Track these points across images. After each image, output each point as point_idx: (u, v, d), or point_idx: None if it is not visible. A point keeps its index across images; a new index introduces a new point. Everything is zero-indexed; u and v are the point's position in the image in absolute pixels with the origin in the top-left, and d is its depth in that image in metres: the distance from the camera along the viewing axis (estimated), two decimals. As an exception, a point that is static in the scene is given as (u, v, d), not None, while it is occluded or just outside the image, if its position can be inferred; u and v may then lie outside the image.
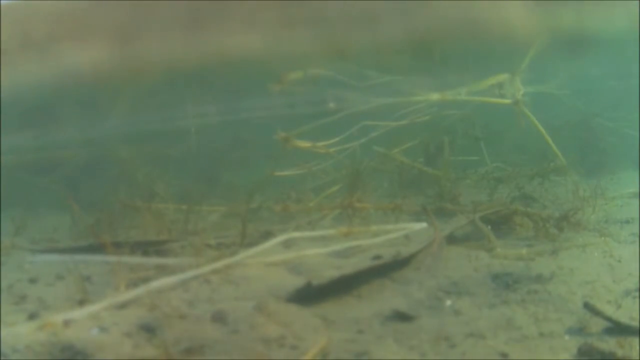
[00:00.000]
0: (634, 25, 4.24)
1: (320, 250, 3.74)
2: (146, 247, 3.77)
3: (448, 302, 3.01)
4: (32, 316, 2.81)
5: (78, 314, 2.73)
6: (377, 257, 3.62)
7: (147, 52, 3.70)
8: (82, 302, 2.97)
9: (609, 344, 2.52)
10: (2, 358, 2.39)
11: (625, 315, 2.76)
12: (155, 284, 3.04)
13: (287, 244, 3.85)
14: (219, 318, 2.75)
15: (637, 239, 4.02)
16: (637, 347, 2.50)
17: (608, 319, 2.69)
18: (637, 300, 2.96)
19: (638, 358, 2.43)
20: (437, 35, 4.53)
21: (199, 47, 3.71)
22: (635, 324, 2.66)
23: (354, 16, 3.61)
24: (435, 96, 5.68)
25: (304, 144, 5.06)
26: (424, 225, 4.14)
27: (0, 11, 3.18)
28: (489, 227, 4.04)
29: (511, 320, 2.77)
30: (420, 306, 2.96)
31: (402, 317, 2.84)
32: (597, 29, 4.97)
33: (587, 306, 2.79)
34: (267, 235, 4.14)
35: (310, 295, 2.98)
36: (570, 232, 4.14)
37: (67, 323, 2.64)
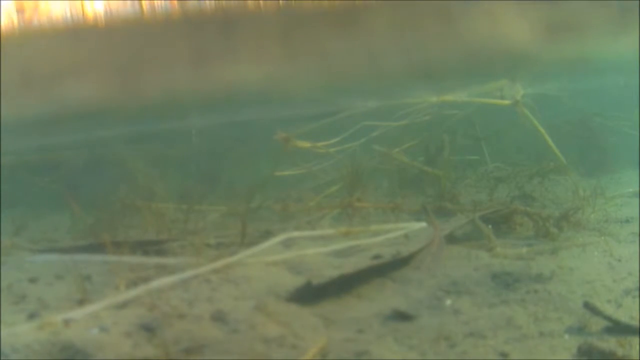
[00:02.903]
0: (635, 49, 4.28)
1: (320, 250, 3.73)
2: (146, 247, 3.77)
3: (448, 302, 3.00)
4: (31, 316, 2.81)
5: (78, 313, 2.72)
6: (377, 257, 3.62)
7: (150, 86, 3.75)
8: (81, 302, 2.97)
9: (609, 344, 2.52)
10: (2, 358, 2.38)
11: (625, 314, 2.76)
12: (155, 283, 3.04)
13: (287, 244, 3.85)
14: (218, 318, 2.75)
15: (637, 238, 4.02)
16: (637, 347, 2.49)
17: (608, 318, 2.69)
18: (637, 299, 2.96)
19: (638, 357, 2.43)
20: (439, 68, 4.57)
21: (203, 81, 3.77)
22: (635, 323, 2.66)
23: (355, 51, 3.67)
24: (435, 98, 5.70)
25: (304, 144, 5.07)
26: (423, 224, 4.14)
27: (1, 43, 3.19)
28: (489, 226, 4.04)
29: (511, 319, 2.77)
30: (420, 306, 2.96)
31: (402, 316, 2.84)
32: (600, 56, 5.03)
33: (587, 305, 2.78)
34: (267, 234, 4.14)
35: (310, 294, 2.98)
36: (570, 231, 4.14)
37: (66, 323, 2.64)
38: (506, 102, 5.24)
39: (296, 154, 5.26)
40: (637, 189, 5.29)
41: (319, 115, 5.63)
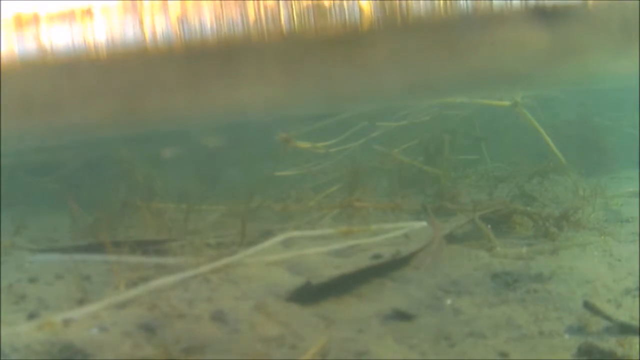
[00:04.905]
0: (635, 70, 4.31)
1: (319, 250, 3.73)
2: (146, 247, 3.76)
3: (448, 301, 3.00)
4: (31, 315, 2.82)
5: (77, 313, 2.73)
6: (377, 256, 3.61)
7: (152, 107, 3.78)
8: (81, 302, 2.97)
9: (609, 343, 2.52)
10: (2, 358, 2.38)
11: (625, 314, 2.76)
12: (155, 283, 3.04)
13: (287, 243, 3.85)
14: (218, 317, 2.75)
15: (637, 238, 4.01)
16: (637, 346, 2.49)
17: (608, 318, 2.69)
18: (637, 299, 2.96)
19: (638, 357, 2.43)
20: (441, 86, 4.60)
21: (205, 101, 3.80)
22: (635, 323, 2.66)
23: (356, 73, 3.70)
24: (435, 100, 5.69)
25: (304, 144, 5.06)
26: (423, 224, 4.14)
27: (1, 68, 3.21)
28: (489, 226, 4.04)
29: (511, 319, 2.77)
30: (420, 305, 2.96)
31: (401, 316, 2.84)
32: (601, 78, 5.06)
33: (587, 305, 2.79)
34: (267, 234, 4.14)
35: (309, 294, 2.98)
36: (570, 231, 4.13)
37: (66, 322, 2.64)
38: (506, 103, 5.24)
39: (296, 154, 5.26)
40: (637, 189, 5.28)
41: (319, 116, 5.63)
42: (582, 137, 6.86)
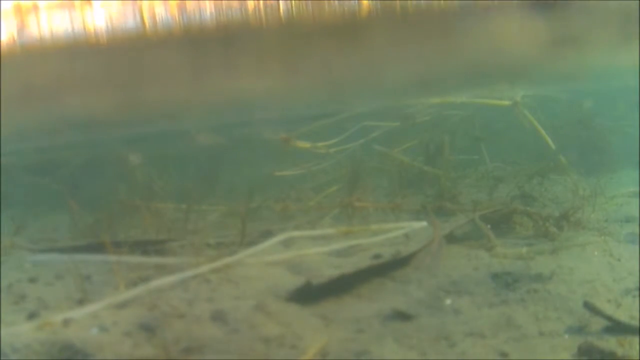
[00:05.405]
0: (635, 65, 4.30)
1: (319, 250, 3.73)
2: (146, 247, 3.77)
3: (448, 301, 3.01)
4: (31, 315, 2.82)
5: (77, 313, 2.73)
6: (377, 256, 3.62)
7: (152, 97, 3.77)
8: (81, 302, 2.97)
9: (609, 343, 2.52)
10: (2, 358, 2.39)
11: (625, 314, 2.76)
12: (155, 283, 3.04)
13: (287, 243, 3.85)
14: (218, 317, 2.75)
15: (637, 238, 4.02)
16: (637, 346, 2.50)
17: (608, 318, 2.70)
18: (637, 299, 2.96)
19: (638, 357, 2.43)
20: (440, 78, 4.59)
21: (204, 92, 3.80)
22: (635, 323, 2.66)
23: (356, 66, 3.71)
24: (435, 99, 5.70)
25: (304, 144, 5.07)
26: (423, 224, 4.14)
27: (1, 59, 3.20)
28: (489, 226, 4.04)
29: (511, 319, 2.77)
30: (420, 305, 2.96)
31: (401, 316, 2.84)
32: (600, 72, 5.06)
33: (587, 305, 2.79)
34: (267, 234, 4.14)
35: (310, 294, 2.98)
36: (570, 231, 4.14)
37: (66, 322, 2.64)
38: (505, 102, 5.25)
39: (296, 154, 5.26)
40: (637, 189, 5.28)
41: (319, 116, 5.63)
42: (582, 137, 6.86)
